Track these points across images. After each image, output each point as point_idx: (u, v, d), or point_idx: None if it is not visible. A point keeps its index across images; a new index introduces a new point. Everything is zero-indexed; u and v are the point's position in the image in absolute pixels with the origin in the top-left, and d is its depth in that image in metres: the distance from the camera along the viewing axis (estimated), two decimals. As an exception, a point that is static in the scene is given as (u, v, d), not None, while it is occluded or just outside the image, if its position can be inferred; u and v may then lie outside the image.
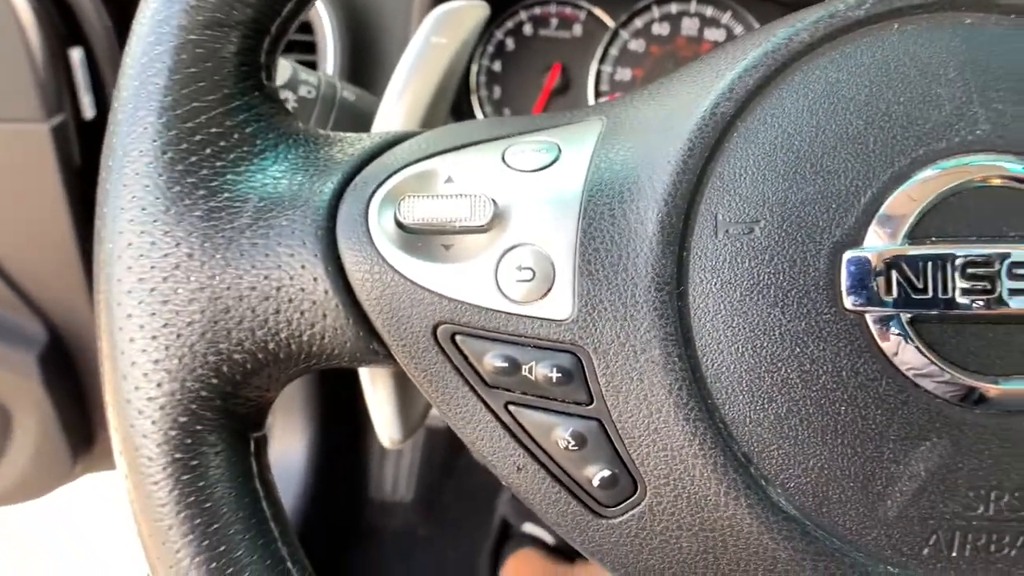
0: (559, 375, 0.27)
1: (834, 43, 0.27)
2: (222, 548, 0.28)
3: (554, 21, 0.71)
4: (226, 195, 0.29)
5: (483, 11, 0.42)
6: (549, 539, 0.93)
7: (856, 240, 0.25)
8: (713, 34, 0.69)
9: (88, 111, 0.68)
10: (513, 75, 0.73)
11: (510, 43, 0.72)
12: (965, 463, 0.25)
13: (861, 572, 0.25)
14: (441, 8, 0.41)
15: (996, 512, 0.25)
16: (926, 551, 0.25)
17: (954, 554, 0.25)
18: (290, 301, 0.29)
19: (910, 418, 0.25)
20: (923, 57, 0.26)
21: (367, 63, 0.66)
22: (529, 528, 0.96)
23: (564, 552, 0.92)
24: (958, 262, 0.24)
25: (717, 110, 0.27)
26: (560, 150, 0.29)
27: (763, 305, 0.25)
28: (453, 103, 0.73)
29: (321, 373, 0.86)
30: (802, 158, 0.26)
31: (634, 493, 0.27)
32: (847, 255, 0.25)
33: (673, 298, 0.26)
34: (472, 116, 0.74)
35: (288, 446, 0.89)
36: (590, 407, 0.27)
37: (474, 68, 0.73)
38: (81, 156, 0.68)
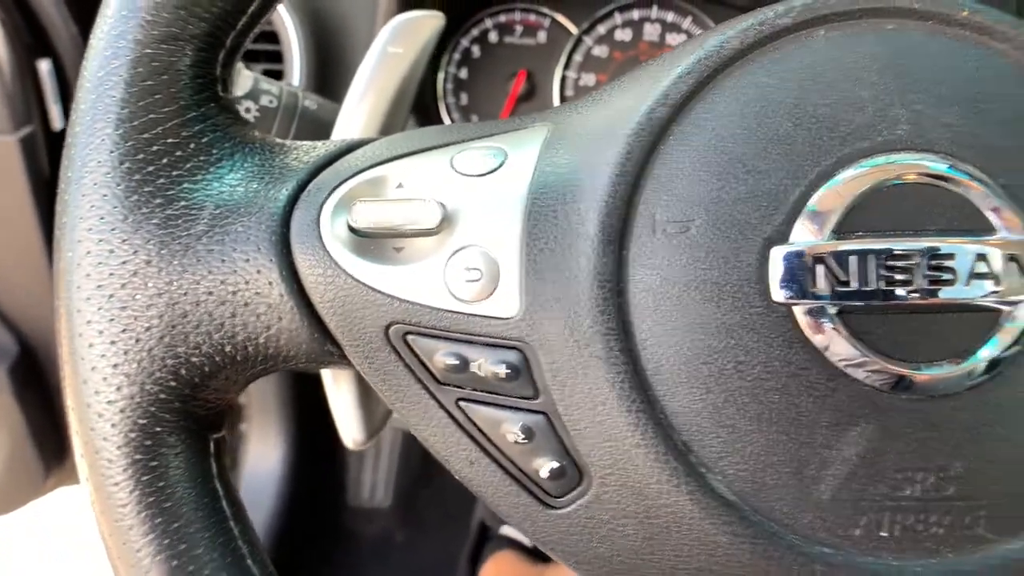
0: (507, 371, 0.28)
1: (763, 49, 0.28)
2: (183, 547, 0.28)
3: (519, 28, 0.72)
4: (183, 203, 0.29)
5: (438, 21, 0.43)
6: (527, 541, 0.94)
7: (785, 236, 0.26)
8: (675, 39, 0.70)
9: (57, 122, 0.68)
10: (480, 82, 0.74)
11: (476, 50, 0.73)
12: (892, 447, 0.26)
13: (797, 554, 0.26)
14: (397, 19, 0.41)
15: (923, 493, 0.26)
16: (858, 532, 0.26)
17: (884, 534, 0.26)
18: (246, 305, 0.29)
19: (840, 405, 0.26)
20: (847, 62, 0.27)
21: (333, 73, 0.67)
22: (507, 531, 0.96)
23: (542, 554, 0.92)
24: (882, 255, 0.25)
25: (653, 115, 0.28)
26: (506, 155, 0.30)
27: (699, 300, 0.26)
28: (422, 110, 0.74)
29: (296, 378, 0.87)
30: (734, 159, 0.27)
31: (580, 483, 0.28)
32: (776, 250, 0.26)
33: (614, 295, 0.27)
34: (440, 123, 0.74)
35: (265, 452, 0.89)
36: (537, 401, 0.28)
37: (441, 76, 0.74)
38: (50, 167, 0.68)
